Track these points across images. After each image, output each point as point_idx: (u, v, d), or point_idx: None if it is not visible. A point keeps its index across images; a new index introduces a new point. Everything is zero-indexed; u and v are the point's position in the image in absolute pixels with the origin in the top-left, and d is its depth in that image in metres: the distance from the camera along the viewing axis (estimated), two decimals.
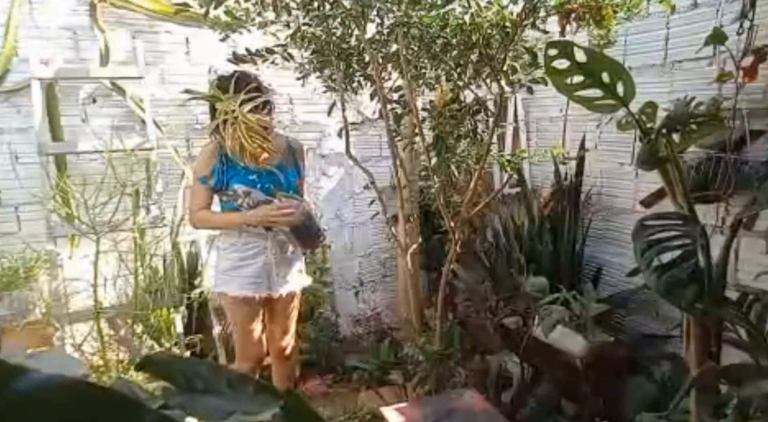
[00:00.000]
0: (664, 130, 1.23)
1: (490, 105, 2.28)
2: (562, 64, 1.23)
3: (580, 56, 1.19)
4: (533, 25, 1.96)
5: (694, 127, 1.25)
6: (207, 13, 1.96)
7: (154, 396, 0.39)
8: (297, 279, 2.32)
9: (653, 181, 2.30)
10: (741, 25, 1.85)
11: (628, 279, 2.70)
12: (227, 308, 2.30)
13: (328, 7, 1.99)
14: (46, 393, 0.22)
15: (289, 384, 2.53)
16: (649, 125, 1.27)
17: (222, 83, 2.02)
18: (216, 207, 2.24)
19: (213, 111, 2.06)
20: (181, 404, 0.34)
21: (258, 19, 2.08)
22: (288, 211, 2.05)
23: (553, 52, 1.20)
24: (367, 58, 2.16)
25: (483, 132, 2.30)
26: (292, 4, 2.02)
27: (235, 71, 2.07)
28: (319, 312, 3.28)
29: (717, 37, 1.68)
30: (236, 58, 2.19)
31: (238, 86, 1.98)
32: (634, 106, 1.29)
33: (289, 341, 2.42)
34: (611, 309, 2.41)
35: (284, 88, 3.05)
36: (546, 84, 1.89)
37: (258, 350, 2.31)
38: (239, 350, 2.32)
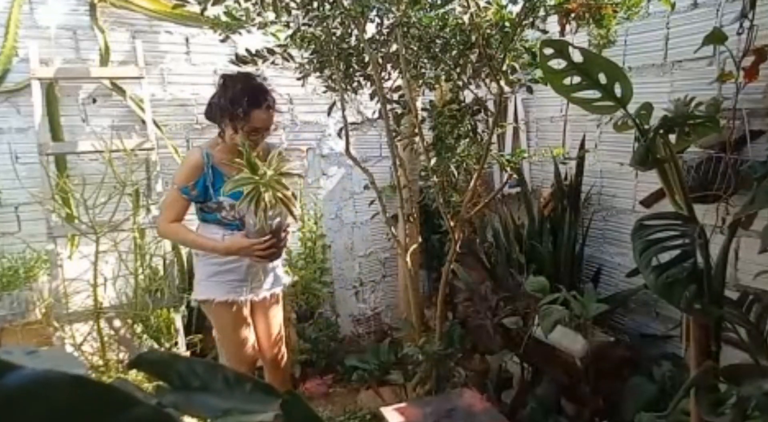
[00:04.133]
0: (661, 131, 1.22)
1: (490, 105, 2.28)
2: (559, 64, 1.22)
3: (577, 57, 1.19)
4: (532, 25, 1.96)
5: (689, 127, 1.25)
6: (204, 10, 1.96)
7: (151, 395, 0.39)
8: (279, 280, 2.30)
9: (653, 181, 2.30)
10: (741, 25, 1.84)
11: (628, 279, 2.70)
12: (214, 315, 2.21)
13: (327, 7, 1.99)
14: (35, 388, 0.22)
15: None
16: (645, 126, 1.27)
17: (229, 84, 2.01)
18: (191, 215, 2.16)
19: (211, 108, 2.06)
20: (175, 402, 0.34)
21: (258, 20, 2.08)
22: (271, 252, 1.98)
23: (548, 51, 1.19)
24: (366, 58, 2.16)
25: (483, 132, 2.29)
26: (292, 5, 2.02)
27: (240, 73, 2.06)
28: (319, 312, 3.29)
29: (716, 37, 1.68)
30: (238, 60, 2.19)
31: (245, 86, 1.99)
32: (633, 106, 1.29)
33: (280, 347, 2.37)
34: (611, 309, 2.41)
35: (284, 88, 3.06)
36: (546, 84, 1.89)
37: (251, 353, 2.26)
38: (232, 357, 2.24)
